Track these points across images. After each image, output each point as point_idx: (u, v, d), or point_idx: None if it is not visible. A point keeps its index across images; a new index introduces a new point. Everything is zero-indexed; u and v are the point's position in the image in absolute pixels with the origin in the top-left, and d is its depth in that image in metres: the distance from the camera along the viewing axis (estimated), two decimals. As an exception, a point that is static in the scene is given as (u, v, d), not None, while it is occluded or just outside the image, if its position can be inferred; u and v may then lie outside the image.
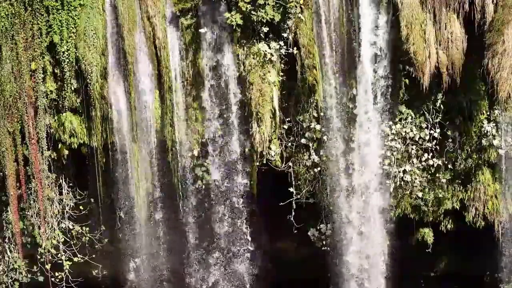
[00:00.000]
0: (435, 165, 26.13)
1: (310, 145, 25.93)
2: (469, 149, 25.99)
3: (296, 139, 26.03)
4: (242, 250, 26.55)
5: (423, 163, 26.11)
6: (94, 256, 27.19)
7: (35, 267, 26.81)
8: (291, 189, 26.38)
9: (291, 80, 25.37)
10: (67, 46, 24.93)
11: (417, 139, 25.89)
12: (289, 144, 26.14)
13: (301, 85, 25.30)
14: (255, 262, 26.79)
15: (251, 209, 26.26)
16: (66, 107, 25.53)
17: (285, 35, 24.82)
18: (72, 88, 25.32)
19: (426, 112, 25.76)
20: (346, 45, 25.01)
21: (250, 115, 25.10)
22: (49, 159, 25.91)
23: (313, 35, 24.89)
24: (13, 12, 24.76)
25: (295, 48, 24.95)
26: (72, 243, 26.78)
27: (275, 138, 25.82)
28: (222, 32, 24.82)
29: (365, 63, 25.04)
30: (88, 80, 25.07)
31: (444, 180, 26.29)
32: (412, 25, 24.61)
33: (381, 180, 26.02)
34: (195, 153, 25.85)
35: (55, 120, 25.68)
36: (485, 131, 25.59)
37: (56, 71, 25.30)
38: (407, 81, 25.34)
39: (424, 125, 25.82)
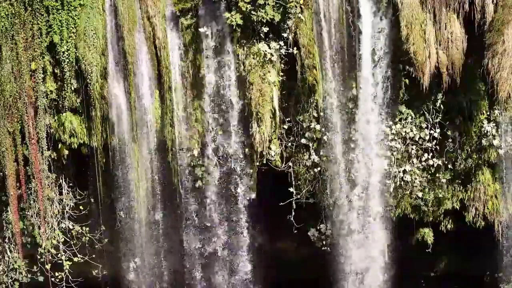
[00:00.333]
0: (435, 165, 26.13)
1: (310, 145, 25.93)
2: (469, 149, 26.00)
3: (296, 139, 26.03)
4: (242, 250, 26.55)
5: (423, 163, 26.11)
6: (94, 256, 27.19)
7: (35, 267, 26.81)
8: (291, 189, 26.38)
9: (291, 80, 25.37)
10: (67, 46, 24.93)
11: (417, 139, 25.89)
12: (289, 144, 26.13)
13: (301, 85, 25.30)
14: (254, 262, 26.78)
15: (251, 209, 26.24)
16: (66, 107, 25.53)
17: (285, 35, 24.82)
18: (72, 88, 25.32)
19: (426, 112, 25.76)
20: (346, 45, 25.01)
21: (250, 115, 25.10)
22: (49, 159, 25.91)
23: (313, 35, 24.89)
24: (13, 12, 24.76)
25: (295, 48, 24.95)
26: (72, 243, 26.78)
27: (275, 138, 25.82)
28: (222, 32, 24.82)
29: (365, 63, 25.04)
30: (88, 80, 25.07)
31: (444, 180, 26.29)
32: (412, 25, 24.61)
33: (381, 180, 26.02)
34: (195, 153, 25.85)
35: (55, 120, 25.67)
36: (485, 131, 25.59)
37: (56, 71, 25.30)
38: (407, 81, 25.34)
39: (424, 125, 25.82)
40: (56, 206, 26.46)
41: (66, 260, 26.79)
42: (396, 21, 24.75)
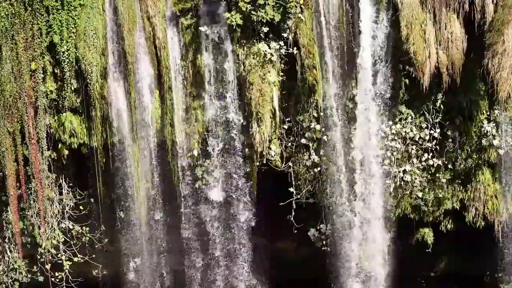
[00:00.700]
0: (435, 165, 26.13)
1: (310, 145, 25.94)
2: (469, 149, 26.00)
3: (296, 139, 26.03)
4: (242, 250, 26.54)
5: (423, 163, 26.11)
6: (94, 256, 27.20)
7: (35, 267, 26.82)
8: (291, 189, 26.38)
9: (291, 80, 25.37)
10: (67, 46, 24.94)
11: (417, 139, 25.89)
12: (289, 144, 26.14)
13: (301, 85, 25.30)
14: (254, 262, 26.78)
15: (251, 209, 26.24)
16: (66, 107, 25.53)
17: (285, 35, 24.82)
18: (72, 88, 25.33)
19: (426, 112, 25.76)
20: (346, 45, 25.01)
21: (250, 115, 25.10)
22: (49, 159, 25.91)
23: (313, 35, 24.89)
24: (13, 12, 24.76)
25: (295, 48, 24.95)
26: (72, 243, 26.78)
27: (275, 138, 25.82)
28: (222, 32, 24.81)
29: (365, 63, 25.03)
30: (88, 80, 25.07)
31: (444, 180, 26.29)
32: (412, 25, 24.61)
33: (381, 180, 26.02)
34: (195, 153, 25.86)
35: (55, 120, 25.68)
36: (485, 131, 25.59)
37: (56, 71, 25.30)
38: (407, 81, 25.34)
39: (424, 125, 25.82)
40: (56, 206, 26.46)
41: (66, 260, 26.79)
42: (396, 21, 24.75)
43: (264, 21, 24.42)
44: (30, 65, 25.05)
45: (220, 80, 25.21)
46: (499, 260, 26.63)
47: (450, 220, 27.03)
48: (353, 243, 26.31)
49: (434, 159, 26.06)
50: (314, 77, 25.08)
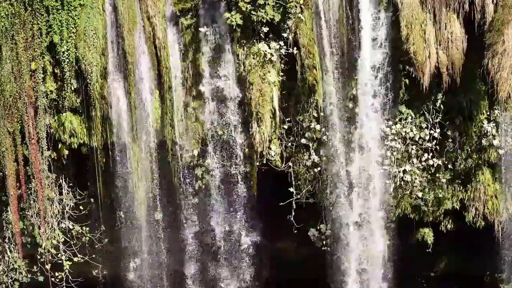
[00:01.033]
0: (435, 165, 26.13)
1: (310, 145, 25.94)
2: (469, 149, 26.00)
3: (296, 139, 26.03)
4: (242, 250, 26.55)
5: (423, 163, 26.11)
6: (94, 256, 27.20)
7: (35, 267, 26.82)
8: (291, 189, 26.38)
9: (291, 80, 25.37)
10: (67, 46, 24.94)
11: (417, 139, 25.89)
12: (289, 144, 26.14)
13: (301, 85, 25.31)
14: (254, 262, 26.78)
15: (251, 209, 26.25)
16: (66, 107, 25.54)
17: (285, 35, 24.82)
18: (72, 88, 25.33)
19: (426, 112, 25.75)
20: (346, 45, 25.01)
21: (250, 115, 25.11)
22: (49, 159, 25.92)
23: (313, 35, 24.89)
24: (13, 12, 24.76)
25: (295, 48, 24.96)
26: (72, 243, 26.79)
27: (275, 138, 25.82)
28: (222, 32, 24.82)
29: (365, 63, 25.03)
30: (88, 80, 25.08)
31: (444, 180, 26.29)
32: (412, 25, 24.61)
33: (381, 180, 26.01)
34: (195, 153, 25.86)
35: (55, 120, 25.68)
36: (485, 131, 25.59)
37: (56, 71, 25.31)
38: (407, 81, 25.34)
39: (424, 125, 25.82)
40: (56, 206, 26.47)
41: (66, 260, 26.80)
42: (396, 21, 24.74)
43: (264, 21, 24.42)
44: (30, 65, 25.05)
45: (220, 80, 25.20)
46: (499, 260, 26.63)
47: (450, 220, 27.03)
48: (352, 243, 26.32)
49: (434, 159, 26.05)
50: (314, 77, 25.08)
